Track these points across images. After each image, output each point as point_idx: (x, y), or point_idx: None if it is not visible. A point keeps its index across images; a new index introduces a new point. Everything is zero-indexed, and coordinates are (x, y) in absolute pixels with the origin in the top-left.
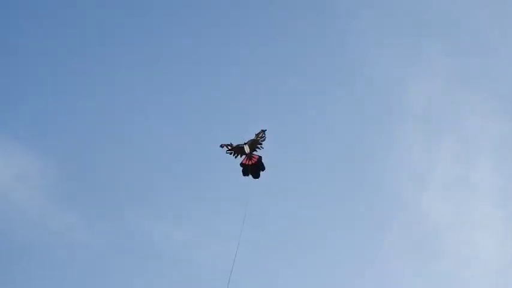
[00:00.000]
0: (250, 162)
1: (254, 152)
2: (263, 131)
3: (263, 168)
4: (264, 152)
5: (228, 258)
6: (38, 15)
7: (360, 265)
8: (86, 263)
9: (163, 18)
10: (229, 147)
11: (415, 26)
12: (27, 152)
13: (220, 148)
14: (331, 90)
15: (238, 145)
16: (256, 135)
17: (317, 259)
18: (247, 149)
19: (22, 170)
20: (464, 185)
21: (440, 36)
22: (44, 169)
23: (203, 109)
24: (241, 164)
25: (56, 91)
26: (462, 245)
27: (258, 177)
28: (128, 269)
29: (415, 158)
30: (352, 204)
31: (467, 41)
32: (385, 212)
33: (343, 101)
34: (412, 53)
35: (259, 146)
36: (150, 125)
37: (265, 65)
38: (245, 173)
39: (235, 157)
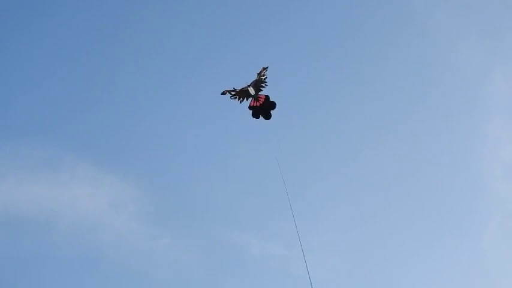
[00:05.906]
0: (258, 104)
1: (260, 92)
2: (264, 69)
3: (273, 107)
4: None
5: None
6: None
7: (458, 266)
8: (185, 282)
9: None
10: (233, 93)
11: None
12: (120, 181)
13: (223, 95)
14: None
15: (241, 88)
16: (258, 74)
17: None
18: (252, 90)
19: (116, 198)
20: None
21: None
22: (136, 195)
23: None
24: (250, 107)
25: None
26: None
27: (269, 118)
28: (229, 284)
29: (506, 152)
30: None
31: None
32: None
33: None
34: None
35: (263, 84)
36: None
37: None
38: (255, 115)
39: (241, 101)
